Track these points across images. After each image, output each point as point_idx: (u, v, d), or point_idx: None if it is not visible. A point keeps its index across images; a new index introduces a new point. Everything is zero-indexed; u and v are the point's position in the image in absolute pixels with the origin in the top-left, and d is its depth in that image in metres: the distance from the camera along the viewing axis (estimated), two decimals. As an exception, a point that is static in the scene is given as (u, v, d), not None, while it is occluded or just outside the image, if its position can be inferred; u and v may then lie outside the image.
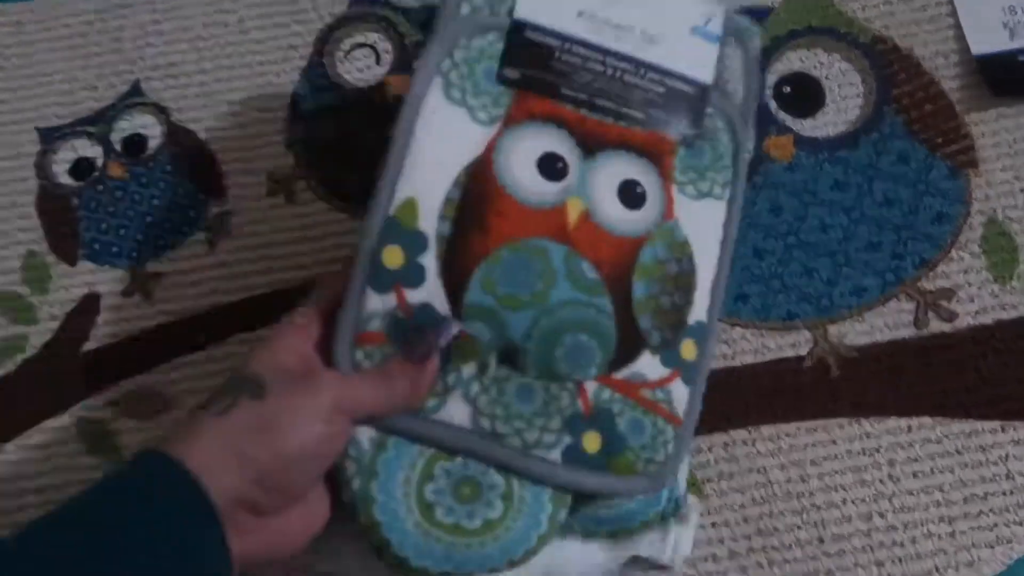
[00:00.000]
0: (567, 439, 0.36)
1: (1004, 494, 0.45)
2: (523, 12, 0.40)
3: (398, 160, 0.38)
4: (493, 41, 0.39)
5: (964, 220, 0.50)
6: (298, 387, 0.34)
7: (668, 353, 0.38)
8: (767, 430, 0.47)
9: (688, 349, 0.38)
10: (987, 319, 0.48)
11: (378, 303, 0.36)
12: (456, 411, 0.36)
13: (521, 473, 0.36)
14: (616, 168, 0.39)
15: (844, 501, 0.45)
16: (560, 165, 0.39)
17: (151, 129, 0.54)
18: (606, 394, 0.37)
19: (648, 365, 0.38)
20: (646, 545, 0.40)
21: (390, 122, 0.49)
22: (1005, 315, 0.48)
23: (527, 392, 0.36)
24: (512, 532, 0.35)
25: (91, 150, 0.53)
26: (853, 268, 0.49)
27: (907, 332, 0.48)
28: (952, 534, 0.45)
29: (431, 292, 0.36)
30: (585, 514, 0.38)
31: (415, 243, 0.37)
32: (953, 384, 0.47)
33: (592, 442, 0.36)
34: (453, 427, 0.36)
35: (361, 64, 0.54)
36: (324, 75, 0.54)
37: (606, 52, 0.40)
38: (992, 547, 0.44)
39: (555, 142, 0.39)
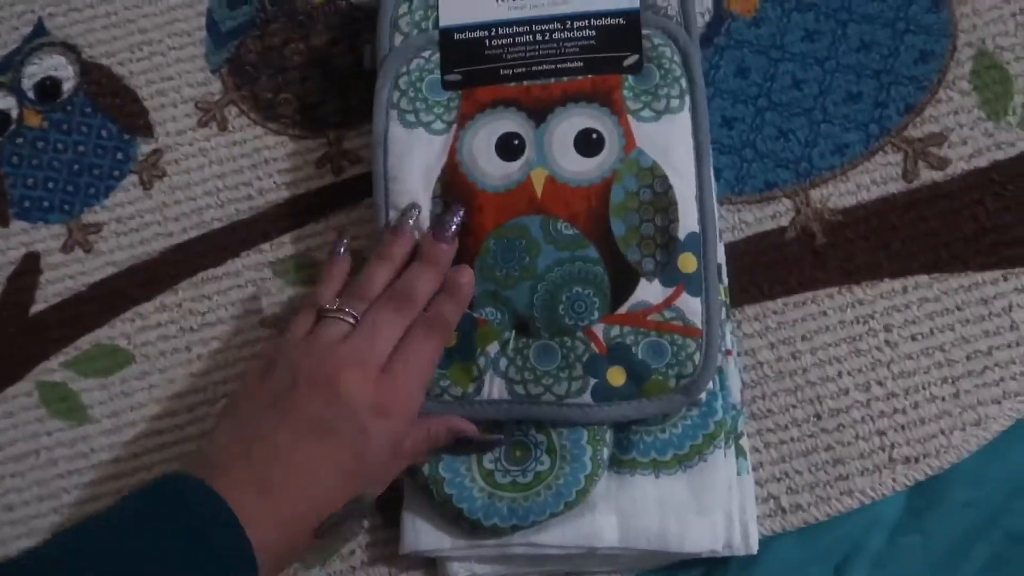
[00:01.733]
0: (593, 381, 0.40)
1: (1009, 346, 0.42)
2: (446, 19, 0.43)
3: (382, 196, 0.42)
4: (429, 56, 0.43)
5: (951, 56, 0.45)
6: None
7: (666, 274, 0.40)
8: (751, 310, 0.44)
9: (687, 262, 0.40)
10: (982, 161, 0.44)
11: None
12: (493, 388, 0.41)
13: (563, 423, 0.40)
14: (568, 124, 0.42)
15: (840, 374, 0.43)
16: (516, 142, 0.42)
17: (63, 70, 0.50)
18: (615, 331, 0.40)
19: (649, 291, 0.40)
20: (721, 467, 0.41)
21: (314, 30, 0.48)
22: (1001, 154, 0.44)
23: (546, 352, 0.40)
24: (562, 479, 0.39)
25: (3, 101, 0.50)
26: (832, 124, 0.45)
27: (896, 187, 0.44)
28: (956, 394, 0.42)
29: None
30: (645, 443, 0.40)
31: None
32: (949, 237, 0.44)
33: (617, 376, 0.39)
34: (495, 402, 0.40)
35: (278, -31, 0.50)
36: (239, -14, 0.50)
37: (531, 21, 0.43)
38: (999, 402, 0.42)
39: (507, 122, 0.42)
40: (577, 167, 0.41)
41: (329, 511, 0.36)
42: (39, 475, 0.46)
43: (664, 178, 0.41)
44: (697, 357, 0.39)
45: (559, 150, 0.41)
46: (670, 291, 0.40)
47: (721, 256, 0.43)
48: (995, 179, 0.44)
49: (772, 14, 0.47)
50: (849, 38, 0.46)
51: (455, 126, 0.42)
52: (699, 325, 0.40)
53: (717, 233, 0.41)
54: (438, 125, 0.42)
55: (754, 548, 0.40)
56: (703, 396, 0.40)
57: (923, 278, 0.43)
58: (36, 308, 0.48)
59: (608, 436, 0.40)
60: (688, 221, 0.40)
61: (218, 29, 0.50)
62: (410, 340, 0.39)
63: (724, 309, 0.41)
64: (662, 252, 0.40)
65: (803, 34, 0.46)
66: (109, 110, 0.49)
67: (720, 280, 0.42)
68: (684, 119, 0.42)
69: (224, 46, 0.50)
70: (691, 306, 0.40)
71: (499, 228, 0.41)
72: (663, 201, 0.40)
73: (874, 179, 0.45)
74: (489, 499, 0.39)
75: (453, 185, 0.42)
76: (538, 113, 0.42)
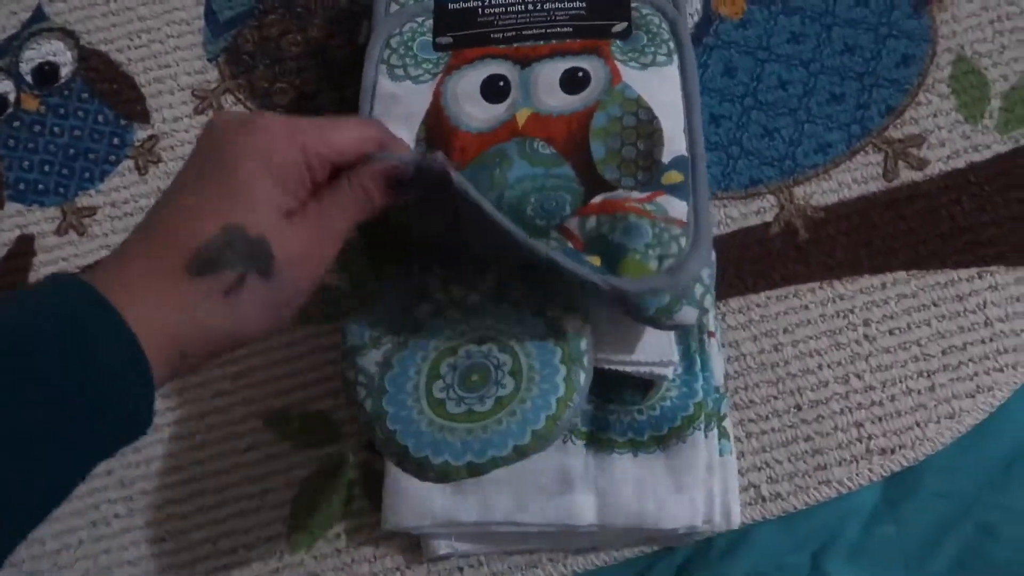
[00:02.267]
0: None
1: (983, 342, 0.43)
2: None
3: None
4: (422, 22, 0.43)
5: (931, 60, 0.47)
6: (312, 251, 0.31)
7: (647, 187, 0.37)
8: (736, 302, 0.45)
9: (671, 177, 0.37)
10: (959, 163, 0.46)
11: None
12: None
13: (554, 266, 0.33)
14: (553, 66, 0.41)
15: (820, 367, 0.44)
16: (502, 84, 0.41)
17: (61, 56, 0.50)
18: (591, 222, 0.36)
19: (626, 192, 0.37)
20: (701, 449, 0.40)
21: (312, 21, 0.48)
22: (978, 156, 0.46)
23: None
24: (528, 403, 0.33)
25: (0, 85, 0.50)
26: (816, 124, 0.46)
27: (876, 186, 0.46)
28: (932, 388, 0.43)
29: None
30: (622, 423, 0.39)
31: None
32: (927, 234, 0.45)
33: (595, 263, 0.35)
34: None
35: (276, -39, 0.51)
36: (238, -23, 0.51)
37: None
38: (973, 396, 0.43)
39: (493, 67, 0.41)
40: (562, 102, 0.40)
41: (195, 244, 0.29)
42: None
43: (649, 109, 0.39)
44: (683, 241, 0.35)
45: (545, 88, 0.40)
46: (649, 192, 0.37)
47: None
48: (972, 180, 0.45)
49: (759, 16, 0.48)
50: (833, 41, 0.47)
51: (441, 75, 0.42)
52: (684, 219, 0.36)
53: (705, 157, 0.39)
54: (425, 77, 0.42)
55: (735, 524, 0.41)
56: (668, 373, 0.38)
57: (901, 274, 0.45)
58: (29, 289, 0.48)
59: (587, 361, 0.35)
60: (675, 147, 0.38)
61: (216, 19, 0.50)
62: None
63: (709, 295, 0.41)
64: (644, 172, 0.38)
65: (789, 36, 0.47)
66: (106, 96, 0.50)
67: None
68: (672, 72, 0.41)
69: (222, 35, 0.50)
70: (674, 205, 0.36)
71: (479, 155, 0.39)
72: (647, 128, 0.39)
73: (855, 178, 0.46)
74: (439, 432, 0.33)
75: (436, 127, 0.40)
76: (526, 60, 0.41)
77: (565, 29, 0.42)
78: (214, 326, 0.30)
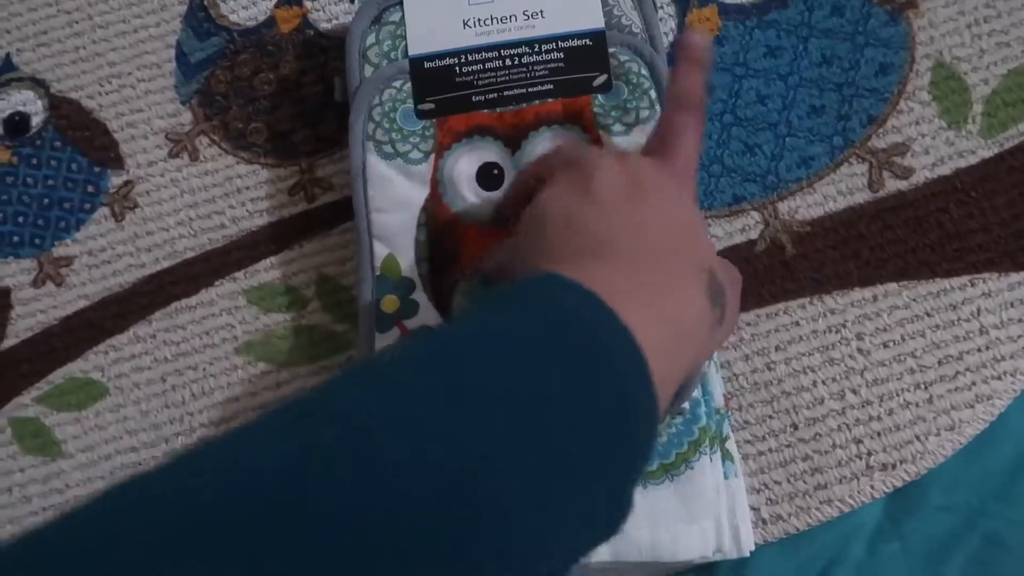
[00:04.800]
0: None
1: (979, 350, 0.43)
2: (415, 48, 0.43)
3: (364, 226, 0.42)
4: (400, 86, 0.43)
5: (909, 68, 0.46)
6: (732, 309, 0.35)
7: None
8: (725, 322, 0.44)
9: None
10: (945, 169, 0.45)
11: (385, 340, 0.41)
12: None
13: None
14: (543, 149, 0.42)
15: (815, 383, 0.43)
16: (496, 172, 0.43)
17: (32, 105, 0.50)
18: None
19: None
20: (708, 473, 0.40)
21: (283, 59, 0.47)
22: (964, 162, 0.45)
23: None
24: None
25: (-29, 138, 0.50)
26: (797, 138, 0.46)
27: (862, 197, 0.45)
28: (930, 400, 0.42)
29: (425, 317, 0.41)
30: None
31: (405, 287, 0.42)
32: (916, 244, 0.44)
33: None
34: None
35: (246, 0, 0.50)
36: (208, 18, 0.50)
37: (499, 47, 0.43)
38: (972, 407, 0.42)
39: (485, 152, 0.43)
40: None
41: (696, 330, 0.29)
42: (12, 513, 0.45)
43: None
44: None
45: None
46: None
47: None
48: (958, 186, 0.45)
49: (734, 32, 0.47)
50: (810, 53, 0.47)
51: (433, 155, 0.43)
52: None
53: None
54: (416, 155, 0.42)
55: (747, 550, 0.40)
56: (687, 404, 0.40)
57: (892, 286, 0.44)
58: (7, 344, 0.47)
59: None
60: None
61: (187, 61, 0.50)
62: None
63: None
64: None
65: (765, 50, 0.47)
66: (79, 143, 0.49)
67: None
68: (653, 127, 0.42)
69: (194, 77, 0.50)
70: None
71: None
72: None
73: (840, 190, 0.45)
74: None
75: (436, 216, 0.42)
76: (513, 140, 0.43)
77: (546, 87, 0.43)
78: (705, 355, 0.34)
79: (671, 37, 0.48)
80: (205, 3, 0.50)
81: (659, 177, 0.33)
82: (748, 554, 0.40)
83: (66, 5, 0.51)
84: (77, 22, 0.50)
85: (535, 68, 0.43)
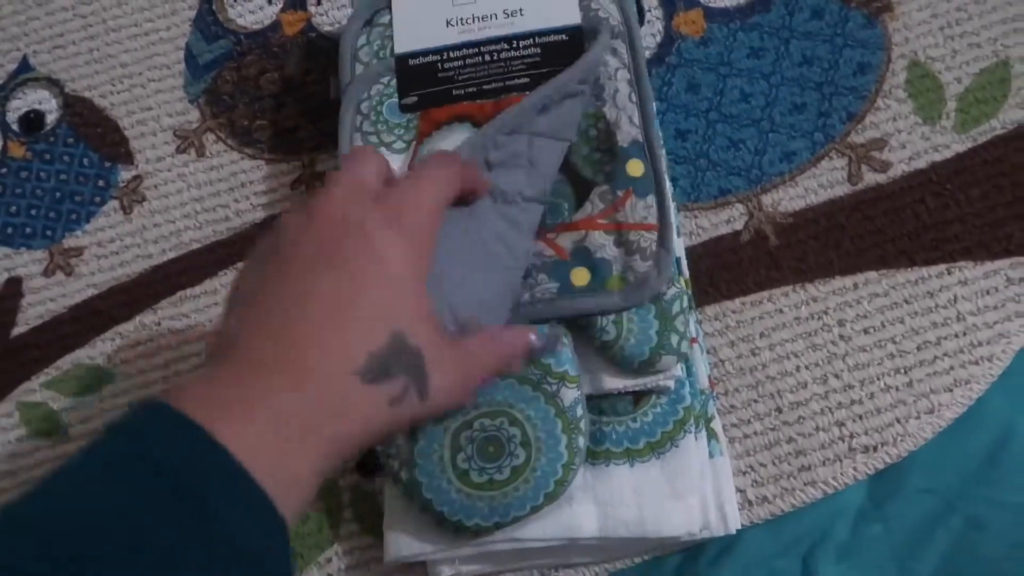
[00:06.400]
0: (556, 284, 0.41)
1: (956, 336, 0.44)
2: (401, 47, 0.45)
3: None
4: (387, 82, 0.45)
5: (886, 67, 0.48)
6: (457, 374, 0.33)
7: (615, 181, 0.42)
8: (711, 310, 0.46)
9: (634, 167, 0.42)
10: (921, 163, 0.47)
11: None
12: None
13: (536, 318, 0.40)
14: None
15: (798, 368, 0.44)
16: None
17: (47, 103, 0.52)
18: (568, 240, 0.41)
19: (598, 196, 0.42)
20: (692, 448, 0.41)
21: (289, 60, 0.49)
22: (939, 156, 0.47)
23: None
24: (539, 470, 0.39)
25: (-13, 134, 0.52)
26: (780, 133, 0.48)
27: (842, 189, 0.47)
28: (909, 384, 0.44)
29: None
30: (617, 433, 0.41)
31: None
32: (894, 234, 0.46)
33: (580, 277, 0.41)
34: None
35: (252, 5, 0.53)
36: (216, 22, 0.53)
37: (479, 44, 0.45)
38: (951, 390, 0.43)
39: (462, 136, 0.43)
40: None
41: (366, 352, 0.29)
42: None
43: (604, 117, 0.43)
44: (654, 246, 0.41)
45: None
46: (620, 195, 0.41)
47: (680, 250, 0.45)
48: (934, 179, 0.46)
49: (719, 34, 0.50)
50: (792, 54, 0.49)
51: (414, 143, 0.44)
52: (653, 221, 0.41)
53: (659, 139, 0.43)
54: (399, 144, 0.44)
55: (733, 528, 0.41)
56: (672, 384, 0.41)
57: (872, 274, 0.45)
58: (17, 330, 0.49)
59: (583, 424, 0.40)
60: (629, 133, 0.42)
61: (196, 62, 0.52)
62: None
63: (687, 298, 0.43)
64: (609, 165, 0.42)
65: (748, 51, 0.49)
66: (91, 139, 0.51)
67: (680, 272, 0.44)
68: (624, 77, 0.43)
69: (201, 77, 0.52)
70: (639, 206, 0.41)
71: None
72: (605, 130, 0.43)
73: (821, 183, 0.47)
74: (468, 499, 0.39)
75: None
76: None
77: (522, 80, 0.44)
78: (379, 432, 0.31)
79: (659, 39, 0.50)
80: (214, 7, 0.53)
81: (371, 228, 0.32)
82: (734, 531, 0.41)
83: (81, 9, 0.53)
84: (91, 25, 0.53)
85: (512, 63, 0.44)
